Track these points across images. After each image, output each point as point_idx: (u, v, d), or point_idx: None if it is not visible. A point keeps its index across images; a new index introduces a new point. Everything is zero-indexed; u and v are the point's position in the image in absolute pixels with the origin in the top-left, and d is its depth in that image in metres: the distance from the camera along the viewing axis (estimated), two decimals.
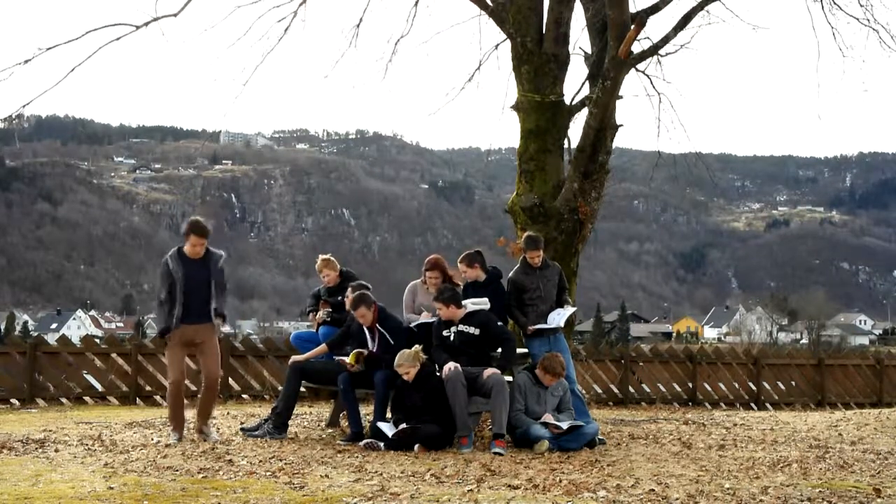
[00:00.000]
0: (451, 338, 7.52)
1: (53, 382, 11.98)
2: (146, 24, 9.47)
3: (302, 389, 8.34)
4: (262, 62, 10.37)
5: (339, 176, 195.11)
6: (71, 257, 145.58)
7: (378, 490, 5.18)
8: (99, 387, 12.15)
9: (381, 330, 7.67)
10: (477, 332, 7.50)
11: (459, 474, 5.77)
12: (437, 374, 7.31)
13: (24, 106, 9.58)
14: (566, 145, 10.20)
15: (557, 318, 8.02)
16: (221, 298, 7.47)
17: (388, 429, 7.03)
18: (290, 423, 7.87)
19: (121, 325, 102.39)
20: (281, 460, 6.25)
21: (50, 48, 9.15)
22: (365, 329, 7.72)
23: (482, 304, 7.74)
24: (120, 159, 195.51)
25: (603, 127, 9.79)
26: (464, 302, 7.67)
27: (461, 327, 7.53)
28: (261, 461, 6.21)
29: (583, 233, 9.90)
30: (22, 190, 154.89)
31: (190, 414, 7.97)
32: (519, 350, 8.08)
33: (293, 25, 10.33)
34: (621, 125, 10.09)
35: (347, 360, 7.52)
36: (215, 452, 6.53)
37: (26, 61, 8.99)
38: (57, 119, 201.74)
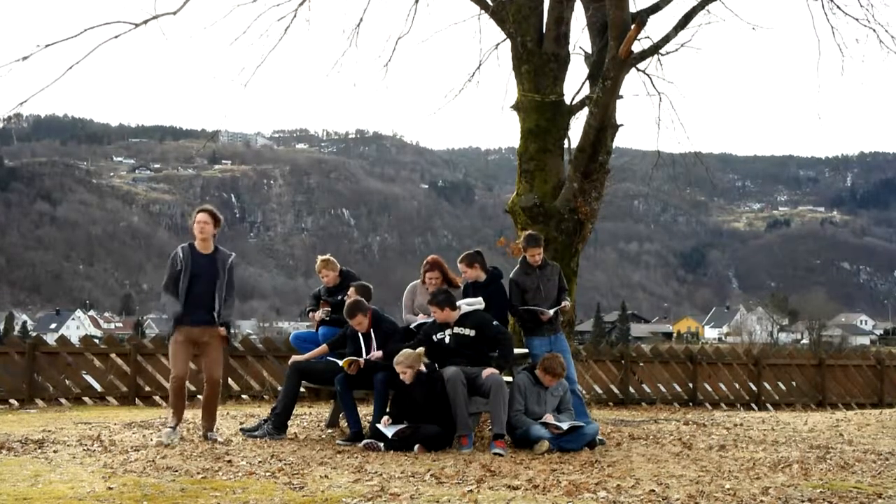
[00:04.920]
0: (447, 340, 7.50)
1: (52, 383, 11.97)
2: (145, 22, 9.45)
3: (302, 390, 8.32)
4: (263, 62, 10.36)
5: (339, 176, 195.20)
6: (70, 257, 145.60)
7: (378, 490, 5.16)
8: (98, 387, 12.14)
9: (375, 336, 7.65)
10: (472, 333, 7.47)
11: (459, 474, 5.75)
12: (436, 373, 7.29)
13: (21, 104, 9.52)
14: (566, 145, 10.19)
15: (467, 307, 7.84)
16: (229, 300, 7.33)
17: (387, 429, 7.01)
18: (289, 423, 7.86)
19: (120, 325, 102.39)
20: (280, 460, 6.24)
21: (48, 45, 9.12)
22: (360, 335, 7.70)
23: (476, 304, 7.73)
24: (119, 159, 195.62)
25: (603, 127, 9.78)
26: (458, 303, 7.64)
27: (456, 329, 7.50)
28: (260, 461, 6.19)
29: (583, 233, 9.89)
30: (21, 190, 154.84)
31: (190, 414, 7.95)
32: (519, 350, 8.07)
33: (295, 25, 10.33)
34: (621, 125, 10.08)
35: (341, 362, 7.50)
36: (215, 452, 6.51)
37: (25, 58, 8.96)
38: (56, 118, 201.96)
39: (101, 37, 9.39)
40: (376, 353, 7.56)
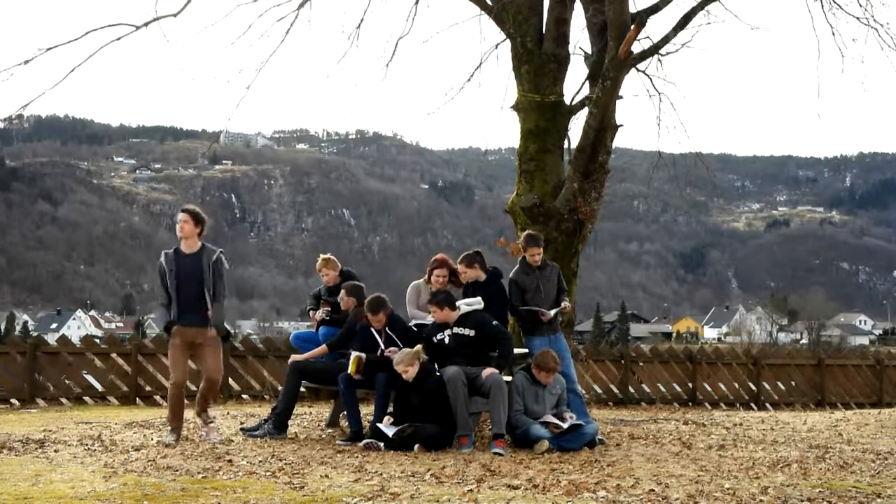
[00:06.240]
0: (447, 340, 7.51)
1: (53, 382, 11.99)
2: (146, 24, 9.47)
3: (302, 389, 8.33)
4: (265, 65, 10.35)
5: (339, 176, 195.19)
6: (71, 257, 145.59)
7: (378, 490, 5.17)
8: (99, 387, 12.16)
9: (390, 333, 7.67)
10: (472, 333, 7.48)
11: (459, 474, 5.76)
12: (437, 373, 7.30)
13: (24, 107, 9.58)
14: (566, 145, 10.20)
15: (466, 307, 7.80)
16: (219, 297, 7.26)
17: (388, 429, 7.03)
18: (290, 423, 7.88)
19: (121, 325, 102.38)
20: (281, 460, 6.25)
21: (50, 48, 9.16)
22: (374, 331, 7.71)
23: (475, 304, 7.74)
24: (120, 159, 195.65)
25: (603, 127, 9.78)
26: (457, 303, 7.65)
27: (456, 329, 7.51)
28: (261, 461, 6.20)
29: (583, 233, 9.89)
30: (22, 190, 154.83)
31: (190, 414, 7.97)
32: (519, 350, 8.08)
33: (297, 25, 10.35)
34: (621, 125, 10.08)
35: (349, 369, 7.48)
36: (215, 452, 6.53)
37: (26, 62, 9.00)
38: (57, 119, 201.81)
39: (102, 39, 9.44)
40: (395, 350, 7.52)
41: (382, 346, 7.63)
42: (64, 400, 11.83)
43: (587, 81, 10.40)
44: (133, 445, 6.98)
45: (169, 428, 7.32)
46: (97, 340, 15.61)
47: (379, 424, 7.12)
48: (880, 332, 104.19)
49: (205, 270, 7.21)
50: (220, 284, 7.30)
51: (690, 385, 14.37)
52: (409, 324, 8.16)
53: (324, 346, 8.14)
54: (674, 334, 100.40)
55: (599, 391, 13.79)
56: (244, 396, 12.39)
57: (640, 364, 14.34)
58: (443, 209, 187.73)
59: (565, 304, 8.28)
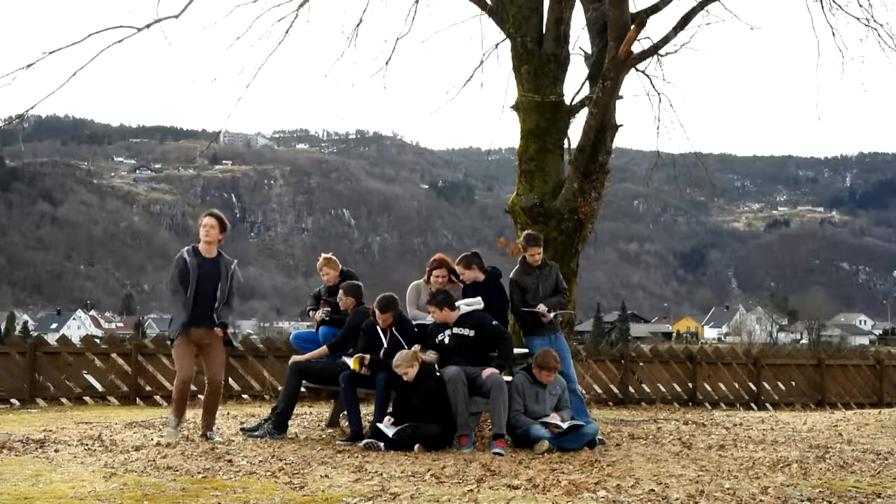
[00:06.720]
0: (447, 340, 7.51)
1: (53, 382, 11.99)
2: (147, 26, 9.47)
3: (302, 389, 8.33)
4: (265, 63, 10.36)
5: (339, 176, 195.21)
6: (71, 257, 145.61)
7: (378, 490, 5.18)
8: (99, 387, 12.16)
9: (397, 333, 7.67)
10: (472, 333, 7.48)
11: (459, 474, 5.77)
12: (437, 374, 7.30)
13: (27, 111, 9.60)
14: (566, 145, 10.20)
15: (466, 307, 7.78)
16: (228, 305, 7.37)
17: (388, 429, 7.03)
18: (290, 423, 7.88)
19: (121, 325, 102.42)
20: (281, 460, 6.25)
21: (53, 52, 9.15)
22: (379, 330, 7.71)
23: (475, 304, 7.73)
24: (120, 159, 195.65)
25: (603, 127, 9.78)
26: (457, 303, 7.65)
27: (456, 330, 7.51)
28: (261, 461, 6.21)
29: (583, 233, 9.89)
30: (22, 190, 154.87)
31: (191, 414, 7.97)
32: (519, 350, 8.08)
33: (297, 26, 10.35)
34: (621, 125, 10.08)
35: (352, 366, 7.49)
36: (215, 452, 6.53)
37: (30, 65, 8.99)
38: (57, 119, 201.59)
39: (104, 42, 9.42)
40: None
41: (385, 346, 7.62)
42: (64, 400, 11.83)
43: (587, 81, 10.40)
44: (133, 445, 6.98)
45: (173, 422, 7.31)
46: (97, 340, 15.61)
47: (379, 424, 7.12)
48: (880, 332, 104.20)
49: (222, 278, 7.31)
50: (233, 295, 7.41)
51: (690, 385, 14.38)
52: (414, 322, 8.15)
53: (324, 347, 8.14)
54: (674, 334, 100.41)
55: (599, 391, 13.79)
56: (244, 396, 12.39)
57: (640, 364, 14.35)
58: (443, 209, 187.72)
59: (541, 307, 8.11)
